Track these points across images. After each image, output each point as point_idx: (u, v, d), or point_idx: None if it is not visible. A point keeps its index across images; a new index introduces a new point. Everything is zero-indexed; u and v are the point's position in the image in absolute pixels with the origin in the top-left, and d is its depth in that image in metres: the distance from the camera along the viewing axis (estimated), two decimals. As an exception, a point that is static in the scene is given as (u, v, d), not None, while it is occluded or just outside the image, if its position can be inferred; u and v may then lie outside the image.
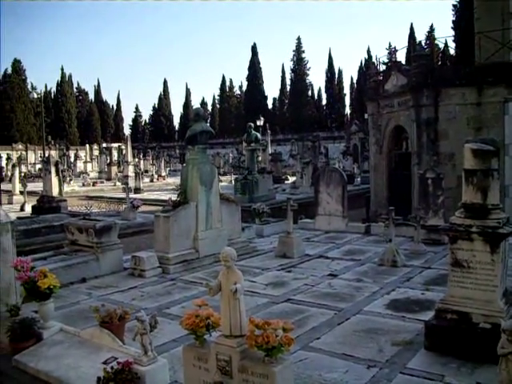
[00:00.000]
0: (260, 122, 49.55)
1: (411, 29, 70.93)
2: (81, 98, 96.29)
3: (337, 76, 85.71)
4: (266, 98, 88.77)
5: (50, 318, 6.23)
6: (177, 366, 5.47)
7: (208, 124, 12.00)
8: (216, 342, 4.35)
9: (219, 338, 4.34)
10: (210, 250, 10.67)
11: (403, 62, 31.99)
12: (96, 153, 63.04)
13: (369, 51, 78.87)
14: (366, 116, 51.25)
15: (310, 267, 10.34)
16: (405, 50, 55.82)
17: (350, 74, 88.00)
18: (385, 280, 9.17)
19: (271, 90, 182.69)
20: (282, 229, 12.86)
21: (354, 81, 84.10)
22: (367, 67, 71.91)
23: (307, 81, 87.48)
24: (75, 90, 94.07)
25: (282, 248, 11.36)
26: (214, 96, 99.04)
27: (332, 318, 7.24)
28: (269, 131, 49.65)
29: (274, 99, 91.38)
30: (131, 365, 4.73)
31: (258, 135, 24.88)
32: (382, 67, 25.26)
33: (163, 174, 43.09)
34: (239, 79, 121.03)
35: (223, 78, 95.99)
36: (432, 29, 68.90)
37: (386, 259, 10.21)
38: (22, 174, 34.30)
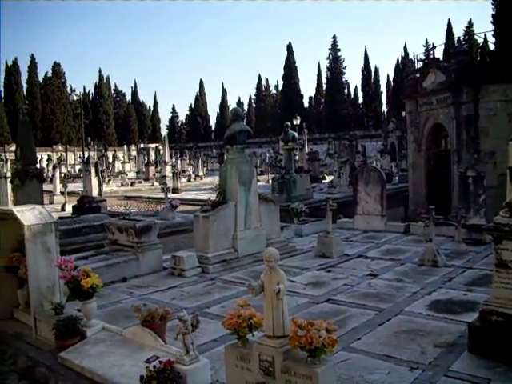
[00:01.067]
0: (297, 121, 49.41)
1: (449, 24, 69.66)
2: (118, 99, 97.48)
3: (373, 74, 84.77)
4: (302, 96, 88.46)
5: (92, 316, 6.32)
6: (217, 366, 5.48)
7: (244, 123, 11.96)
8: (259, 342, 4.34)
9: (262, 339, 4.34)
10: (249, 249, 10.70)
11: (441, 58, 31.42)
12: (134, 153, 63.85)
13: (405, 48, 77.70)
14: (403, 114, 50.61)
15: (350, 267, 10.27)
16: (442, 47, 54.71)
17: (386, 71, 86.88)
18: (425, 280, 9.04)
19: (307, 88, 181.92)
20: (321, 228, 12.80)
21: (391, 78, 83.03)
22: (404, 65, 70.94)
23: (343, 79, 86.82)
24: (113, 91, 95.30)
25: (321, 248, 11.30)
26: (250, 95, 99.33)
27: (373, 318, 7.17)
28: (305, 130, 49.45)
29: (310, 98, 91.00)
30: (173, 364, 4.76)
31: (295, 134, 24.81)
32: (420, 64, 24.91)
33: (200, 173, 43.34)
34: (275, 78, 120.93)
35: (259, 77, 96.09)
36: (470, 24, 67.44)
37: (426, 259, 10.07)
38: (62, 175, 34.96)
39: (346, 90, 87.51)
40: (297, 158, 33.19)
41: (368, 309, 7.56)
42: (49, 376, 5.71)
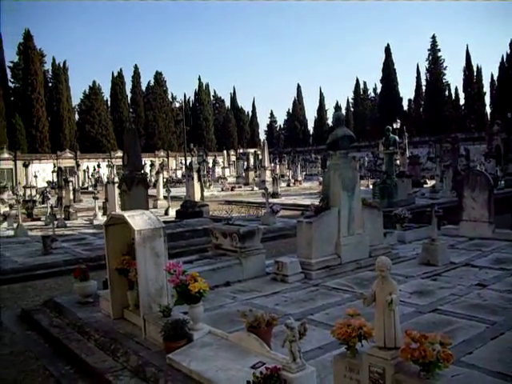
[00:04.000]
0: (397, 125, 48.43)
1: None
2: (217, 105, 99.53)
3: (475, 74, 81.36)
4: (401, 99, 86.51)
5: (199, 320, 6.42)
6: (323, 374, 5.39)
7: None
8: (369, 353, 4.24)
9: (372, 350, 4.23)
10: (352, 256, 10.54)
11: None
12: (233, 158, 64.92)
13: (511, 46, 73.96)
14: (509, 115, 48.16)
15: (456, 276, 9.83)
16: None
17: (490, 71, 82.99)
18: (541, 293, 8.50)
19: (406, 91, 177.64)
20: (424, 235, 12.41)
21: (495, 78, 79.30)
22: (510, 63, 67.70)
23: (444, 80, 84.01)
24: (212, 98, 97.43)
25: (425, 255, 10.93)
26: (347, 99, 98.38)
27: (484, 331, 6.80)
28: (406, 134, 48.31)
29: (410, 100, 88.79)
30: (280, 371, 4.73)
31: (397, 138, 24.29)
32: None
33: (299, 178, 43.33)
34: (373, 81, 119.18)
35: (357, 80, 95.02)
36: None
37: (542, 270, 9.49)
38: (165, 180, 36.09)
39: (446, 92, 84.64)
40: (398, 162, 32.50)
41: (478, 321, 7.18)
42: (158, 376, 5.85)
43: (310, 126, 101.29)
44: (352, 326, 4.33)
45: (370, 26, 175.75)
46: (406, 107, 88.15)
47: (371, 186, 26.20)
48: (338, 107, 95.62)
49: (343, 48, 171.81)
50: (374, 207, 11.80)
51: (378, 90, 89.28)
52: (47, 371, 7.05)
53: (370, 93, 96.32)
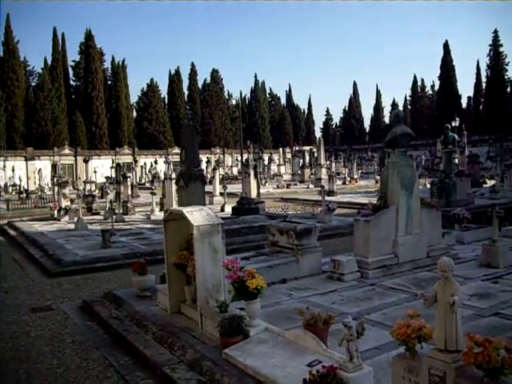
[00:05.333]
0: (455, 123, 47.30)
1: None
2: (273, 103, 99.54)
3: (541, 68, 78.17)
4: (459, 97, 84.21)
5: (256, 316, 6.45)
6: (380, 375, 5.31)
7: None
8: (429, 355, 4.16)
9: (432, 352, 4.14)
10: (410, 255, 10.37)
11: None
12: (288, 156, 64.89)
13: None
14: None
15: (519, 279, 9.56)
16: None
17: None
18: None
19: (465, 88, 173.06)
20: (484, 236, 12.07)
21: None
22: None
23: (505, 77, 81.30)
24: (268, 95, 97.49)
25: (485, 256, 10.64)
26: (405, 97, 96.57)
27: (550, 338, 6.57)
28: (465, 132, 47.12)
29: (469, 98, 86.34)
30: (336, 370, 4.70)
31: (456, 137, 23.77)
32: None
33: (355, 176, 42.93)
34: (431, 78, 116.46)
35: (414, 77, 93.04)
36: None
37: None
38: (220, 177, 36.38)
39: (508, 89, 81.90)
40: (456, 161, 31.76)
41: (544, 327, 6.96)
42: (214, 370, 5.91)
43: (366, 123, 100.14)
44: (412, 327, 4.26)
45: (428, 22, 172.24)
46: (464, 105, 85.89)
47: (429, 185, 25.73)
48: (394, 105, 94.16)
49: (401, 45, 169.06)
50: (432, 206, 11.58)
51: (436, 87, 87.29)
52: (107, 361, 7.25)
53: (428, 90, 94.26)
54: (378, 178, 37.35)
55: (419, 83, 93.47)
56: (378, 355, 5.96)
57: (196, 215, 7.08)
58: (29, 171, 48.34)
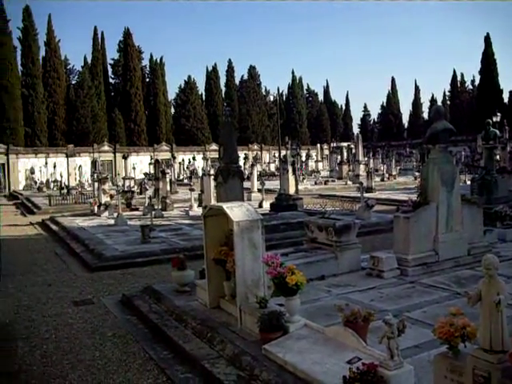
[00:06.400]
0: (496, 118, 46.30)
1: None
2: (310, 99, 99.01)
3: None
4: (501, 91, 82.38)
5: (295, 312, 6.44)
6: (420, 374, 5.22)
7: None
8: (473, 355, 4.08)
9: (477, 352, 4.07)
10: (450, 253, 10.22)
11: None
12: (326, 152, 64.57)
13: None
14: None
15: None
16: None
17: None
18: None
19: (507, 82, 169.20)
20: (529, 234, 11.84)
21: None
22: None
23: (551, 69, 79.19)
24: (305, 91, 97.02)
25: (530, 255, 10.44)
26: (444, 92, 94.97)
27: None
28: (507, 128, 46.11)
29: (511, 92, 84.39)
30: (377, 368, 4.67)
31: (497, 132, 23.25)
32: None
33: (393, 173, 42.49)
34: (471, 73, 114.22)
35: (454, 72, 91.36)
36: None
37: None
38: (258, 173, 36.43)
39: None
40: (498, 157, 31.10)
41: None
42: (254, 365, 5.93)
43: (405, 119, 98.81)
44: (455, 326, 4.19)
45: (468, 15, 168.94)
46: (506, 99, 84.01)
47: (469, 182, 25.31)
48: (433, 100, 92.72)
49: (439, 39, 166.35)
50: (473, 203, 11.38)
51: (477, 82, 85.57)
52: (147, 354, 7.35)
53: (468, 85, 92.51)
54: (417, 174, 36.95)
55: (459, 78, 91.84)
56: (418, 354, 5.88)
57: (236, 211, 7.11)
58: (69, 167, 49.18)
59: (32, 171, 47.53)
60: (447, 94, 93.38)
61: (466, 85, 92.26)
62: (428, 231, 10.13)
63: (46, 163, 48.89)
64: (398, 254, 9.92)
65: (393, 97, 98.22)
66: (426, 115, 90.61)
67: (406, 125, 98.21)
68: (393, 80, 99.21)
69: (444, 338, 4.25)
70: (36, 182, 45.30)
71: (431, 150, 10.93)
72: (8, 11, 55.68)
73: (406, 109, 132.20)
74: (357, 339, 5.55)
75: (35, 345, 7.98)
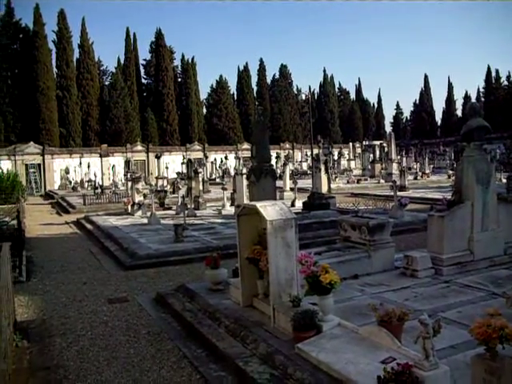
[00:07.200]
0: (534, 115, 45.46)
1: None
2: (342, 97, 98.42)
3: None
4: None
5: (329, 311, 6.43)
6: (456, 375, 5.16)
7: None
8: (512, 357, 4.03)
9: (516, 353, 4.01)
10: (486, 252, 10.06)
11: None
12: (358, 150, 64.10)
13: None
14: None
15: None
16: None
17: None
18: None
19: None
20: None
21: None
22: None
23: None
24: (337, 90, 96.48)
25: None
26: (478, 89, 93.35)
27: None
28: (545, 125, 45.25)
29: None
30: (412, 368, 4.63)
31: (534, 129, 22.81)
32: None
33: (427, 171, 41.97)
34: (507, 69, 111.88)
35: (488, 68, 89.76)
36: None
37: None
38: (290, 172, 36.35)
39: None
40: (535, 154, 30.53)
41: None
42: (287, 364, 5.93)
43: (438, 117, 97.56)
44: (492, 326, 4.13)
45: (501, 11, 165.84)
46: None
47: (504, 180, 24.87)
48: (467, 97, 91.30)
49: (472, 34, 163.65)
50: (510, 202, 11.17)
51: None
52: (181, 352, 7.42)
53: (503, 81, 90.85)
54: (451, 172, 36.47)
55: (493, 74, 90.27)
56: (454, 355, 5.82)
57: (269, 210, 7.11)
58: (103, 167, 49.80)
59: (67, 171, 48.25)
60: (481, 90, 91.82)
61: (502, 81, 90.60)
62: (463, 230, 9.99)
63: (81, 163, 49.59)
64: (432, 254, 9.80)
65: (425, 94, 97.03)
66: (459, 112, 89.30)
67: (439, 122, 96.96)
68: (426, 77, 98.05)
69: (481, 339, 4.19)
70: (71, 182, 45.97)
71: (466, 147, 10.77)
72: (43, 15, 56.75)
73: (439, 106, 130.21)
74: (391, 339, 5.52)
75: (72, 341, 8.14)
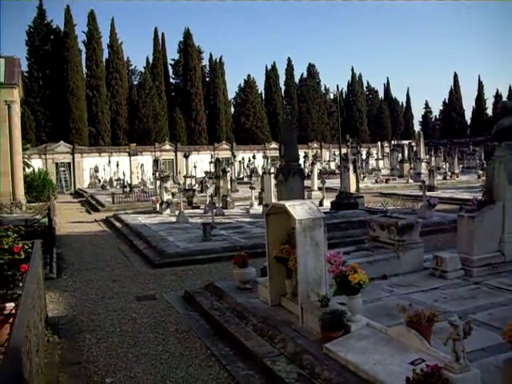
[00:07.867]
0: None
1: None
2: (370, 96, 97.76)
3: None
4: None
5: (357, 312, 6.41)
6: (487, 378, 5.07)
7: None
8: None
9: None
10: (518, 254, 9.91)
11: None
12: (387, 150, 63.58)
13: None
14: None
15: None
16: None
17: None
18: None
19: None
20: None
21: None
22: None
23: None
24: (365, 88, 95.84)
25: None
26: (509, 87, 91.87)
27: None
28: None
29: None
30: (441, 370, 4.59)
31: None
32: None
33: (456, 171, 41.45)
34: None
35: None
36: None
37: None
38: (318, 171, 36.25)
39: None
40: None
41: None
42: (315, 364, 5.93)
43: (467, 116, 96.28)
44: (525, 329, 4.08)
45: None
46: None
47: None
48: (498, 95, 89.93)
49: (503, 33, 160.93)
50: (543, 203, 10.98)
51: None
52: (209, 350, 7.47)
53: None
54: (481, 172, 35.98)
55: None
56: (485, 357, 5.74)
57: (298, 209, 7.11)
58: (132, 166, 50.35)
59: (96, 170, 48.82)
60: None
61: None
62: (493, 231, 9.84)
63: (110, 162, 50.12)
64: (462, 254, 9.68)
65: (455, 93, 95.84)
66: (489, 111, 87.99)
67: (468, 122, 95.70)
68: (455, 76, 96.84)
69: (513, 341, 4.14)
70: (100, 181, 46.48)
71: (497, 147, 10.60)
72: (73, 16, 57.56)
73: (468, 105, 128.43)
74: (420, 340, 5.48)
75: (101, 337, 8.25)
